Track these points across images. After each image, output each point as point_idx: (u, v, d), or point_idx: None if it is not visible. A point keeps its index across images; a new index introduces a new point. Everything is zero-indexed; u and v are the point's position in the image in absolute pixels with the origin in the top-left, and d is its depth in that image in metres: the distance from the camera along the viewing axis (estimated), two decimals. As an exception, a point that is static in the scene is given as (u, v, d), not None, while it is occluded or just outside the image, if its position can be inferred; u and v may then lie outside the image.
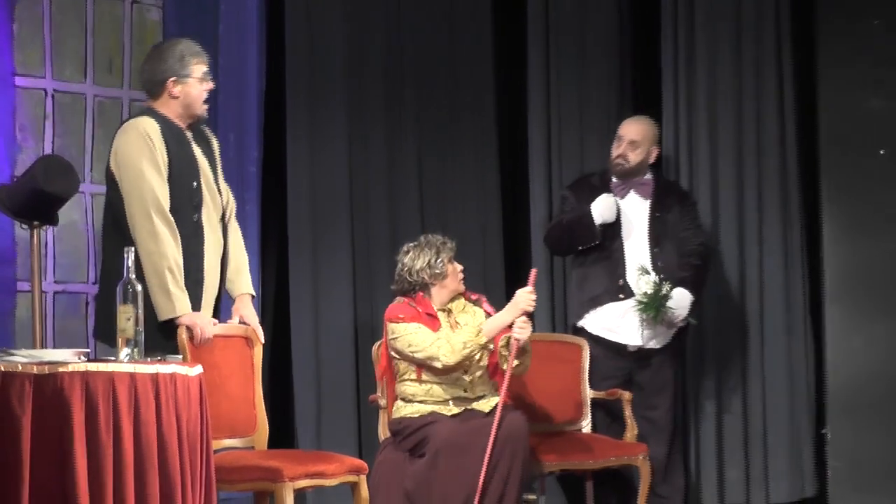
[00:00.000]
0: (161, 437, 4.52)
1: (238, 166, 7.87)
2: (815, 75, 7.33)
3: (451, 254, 6.27)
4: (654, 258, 6.99)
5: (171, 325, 5.58)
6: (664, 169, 7.44)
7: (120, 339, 4.65)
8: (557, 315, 7.57)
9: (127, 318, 4.64)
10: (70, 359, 4.48)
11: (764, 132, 7.46)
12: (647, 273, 6.90)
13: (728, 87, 7.49)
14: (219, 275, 5.83)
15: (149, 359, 4.69)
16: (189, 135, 5.76)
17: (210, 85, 5.75)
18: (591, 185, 7.13)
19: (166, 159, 5.60)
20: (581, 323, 7.07)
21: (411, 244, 6.32)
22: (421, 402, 6.16)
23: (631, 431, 6.77)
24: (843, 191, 7.22)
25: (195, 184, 5.69)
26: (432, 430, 6.01)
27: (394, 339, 6.16)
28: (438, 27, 7.84)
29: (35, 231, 6.43)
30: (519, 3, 7.79)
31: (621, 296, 6.96)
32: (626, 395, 6.82)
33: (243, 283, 5.94)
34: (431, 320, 6.16)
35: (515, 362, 6.11)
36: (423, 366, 6.14)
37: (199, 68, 5.72)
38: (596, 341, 7.00)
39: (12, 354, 4.45)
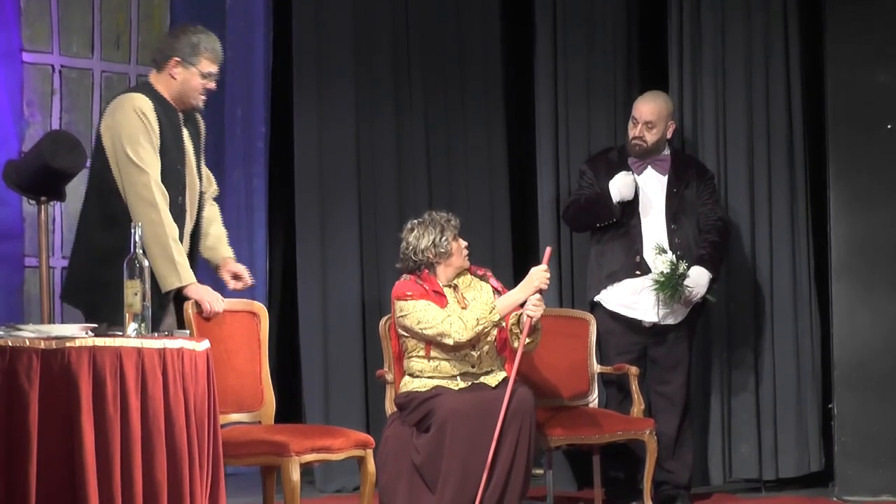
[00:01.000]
0: (168, 412, 4.52)
1: (246, 142, 7.88)
2: (823, 51, 7.32)
3: (456, 231, 6.25)
4: (671, 235, 6.98)
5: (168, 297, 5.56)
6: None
7: (127, 315, 4.64)
8: (565, 290, 7.58)
9: (134, 293, 4.63)
10: (77, 334, 4.48)
11: (772, 108, 7.47)
12: (665, 252, 6.90)
13: (736, 65, 7.49)
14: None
15: (156, 333, 4.70)
16: (181, 116, 5.72)
17: (212, 85, 5.69)
18: (609, 161, 7.12)
19: (159, 140, 5.56)
20: (598, 298, 7.08)
21: (415, 221, 6.29)
22: (429, 377, 6.16)
23: (638, 406, 6.78)
24: (850, 166, 7.21)
25: (180, 167, 5.66)
26: (438, 402, 6.00)
27: (402, 316, 6.14)
28: (447, 4, 7.82)
29: (42, 206, 6.44)
30: (528, -21, 7.79)
31: (638, 272, 6.96)
32: (633, 369, 6.83)
33: (224, 248, 5.94)
34: (439, 297, 6.15)
35: (527, 340, 6.10)
36: (432, 342, 6.13)
37: (207, 64, 5.66)
38: (612, 316, 7.01)
39: (20, 329, 4.45)
